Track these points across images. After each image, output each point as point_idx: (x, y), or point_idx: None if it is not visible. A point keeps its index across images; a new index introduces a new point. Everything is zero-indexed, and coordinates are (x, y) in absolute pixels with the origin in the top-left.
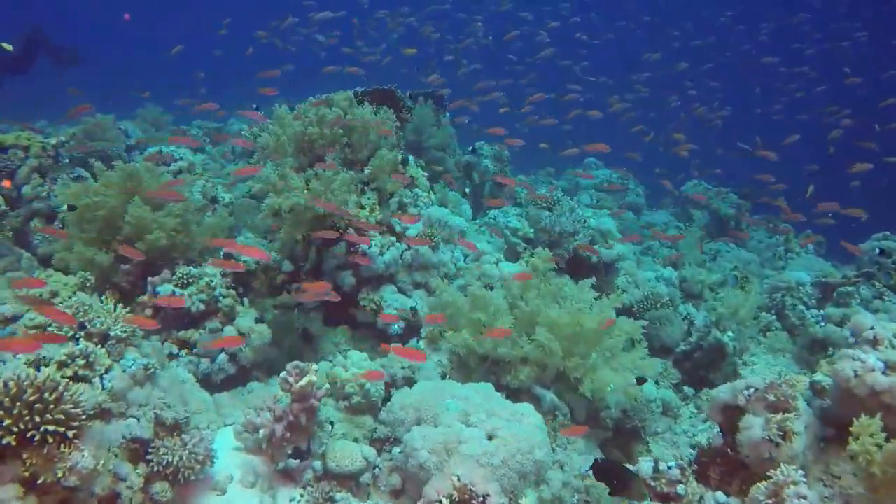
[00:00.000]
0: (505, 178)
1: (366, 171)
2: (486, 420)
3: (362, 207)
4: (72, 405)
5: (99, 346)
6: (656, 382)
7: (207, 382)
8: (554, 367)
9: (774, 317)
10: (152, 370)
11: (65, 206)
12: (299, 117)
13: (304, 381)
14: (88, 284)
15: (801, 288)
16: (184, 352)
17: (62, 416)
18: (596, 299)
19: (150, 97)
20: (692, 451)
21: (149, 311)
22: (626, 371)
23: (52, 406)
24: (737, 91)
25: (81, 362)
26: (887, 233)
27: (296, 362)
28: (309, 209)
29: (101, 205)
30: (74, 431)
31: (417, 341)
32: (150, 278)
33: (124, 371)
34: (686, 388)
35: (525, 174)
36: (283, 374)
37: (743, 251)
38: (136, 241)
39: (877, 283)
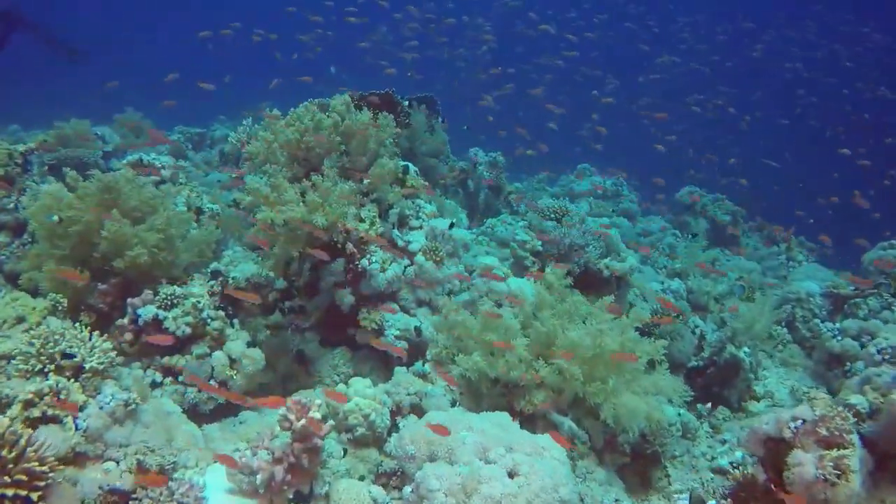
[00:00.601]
0: (519, 196)
1: (365, 182)
2: (505, 455)
3: (362, 220)
4: (36, 462)
5: (72, 379)
6: (669, 401)
7: (195, 412)
8: (572, 392)
9: (785, 330)
10: (133, 405)
11: (54, 218)
12: (292, 123)
13: (306, 420)
14: (60, 308)
15: (811, 299)
16: (168, 380)
17: (24, 477)
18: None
19: (119, 89)
20: (713, 476)
21: (128, 336)
22: (648, 395)
23: (11, 466)
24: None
25: (51, 400)
26: (894, 241)
27: (297, 397)
28: (306, 223)
29: (75, 219)
30: (40, 493)
31: (423, 364)
32: (129, 299)
33: (101, 408)
34: (699, 406)
35: (518, 181)
36: (283, 410)
37: (743, 259)
38: (115, 258)
39: (884, 294)
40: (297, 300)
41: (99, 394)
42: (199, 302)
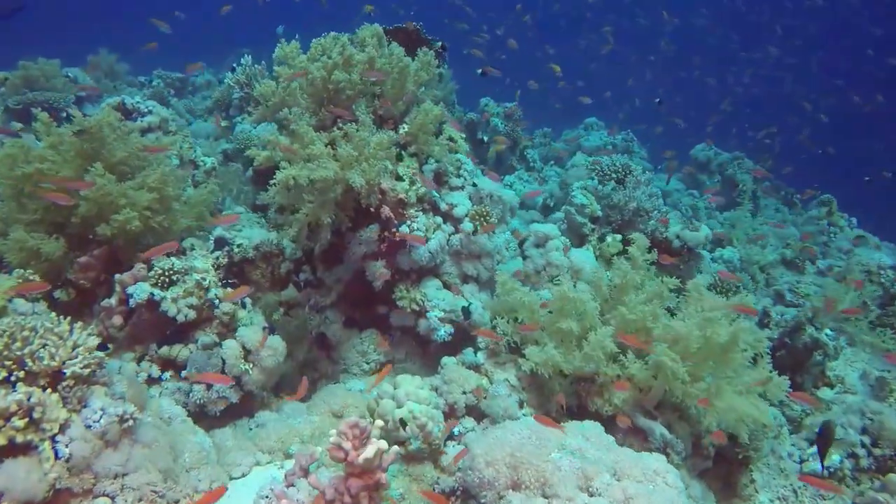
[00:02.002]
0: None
1: (401, 131)
2: (613, 485)
3: (399, 178)
4: None
5: (48, 390)
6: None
7: (202, 414)
8: (660, 391)
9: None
10: (129, 420)
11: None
12: (316, 57)
13: (370, 451)
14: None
15: (882, 272)
16: (168, 374)
17: None
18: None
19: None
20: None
21: (117, 320)
22: (752, 394)
23: None
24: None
25: (21, 423)
26: None
27: (353, 419)
28: (340, 183)
29: (48, 174)
30: None
31: (475, 353)
32: (118, 276)
33: (89, 427)
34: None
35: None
36: (334, 436)
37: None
38: (99, 223)
39: None
40: (315, 272)
41: (85, 407)
42: (203, 279)
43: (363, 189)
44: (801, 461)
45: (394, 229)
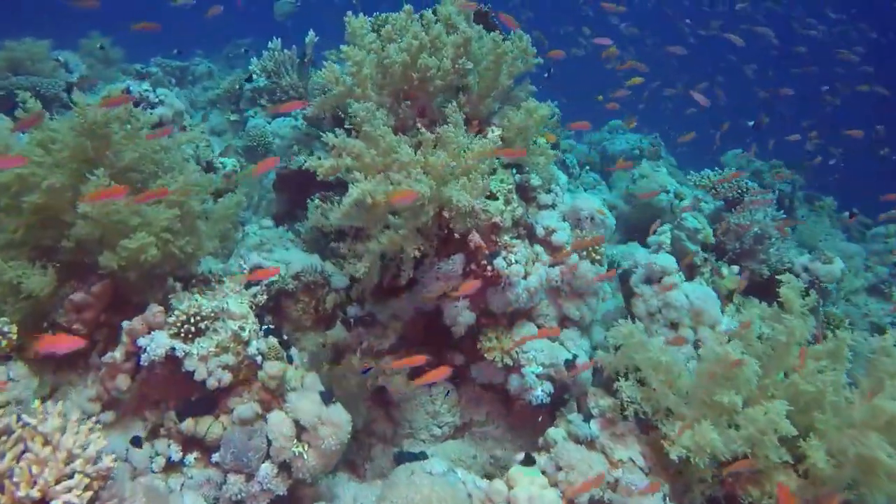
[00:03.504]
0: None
1: (491, 135)
2: None
3: (492, 196)
4: None
5: None
6: None
7: None
8: (842, 484)
9: None
10: None
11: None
12: (392, 37)
13: None
14: (6, 335)
15: None
16: (192, 457)
17: None
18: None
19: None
20: None
21: (123, 382)
22: None
23: None
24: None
25: None
26: None
27: None
28: (435, 203)
29: (32, 182)
30: None
31: (586, 421)
32: (126, 324)
33: None
34: None
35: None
36: None
37: (839, 240)
38: (101, 250)
39: None
40: (362, 305)
41: None
42: (242, 328)
43: (461, 211)
44: None
45: (484, 261)
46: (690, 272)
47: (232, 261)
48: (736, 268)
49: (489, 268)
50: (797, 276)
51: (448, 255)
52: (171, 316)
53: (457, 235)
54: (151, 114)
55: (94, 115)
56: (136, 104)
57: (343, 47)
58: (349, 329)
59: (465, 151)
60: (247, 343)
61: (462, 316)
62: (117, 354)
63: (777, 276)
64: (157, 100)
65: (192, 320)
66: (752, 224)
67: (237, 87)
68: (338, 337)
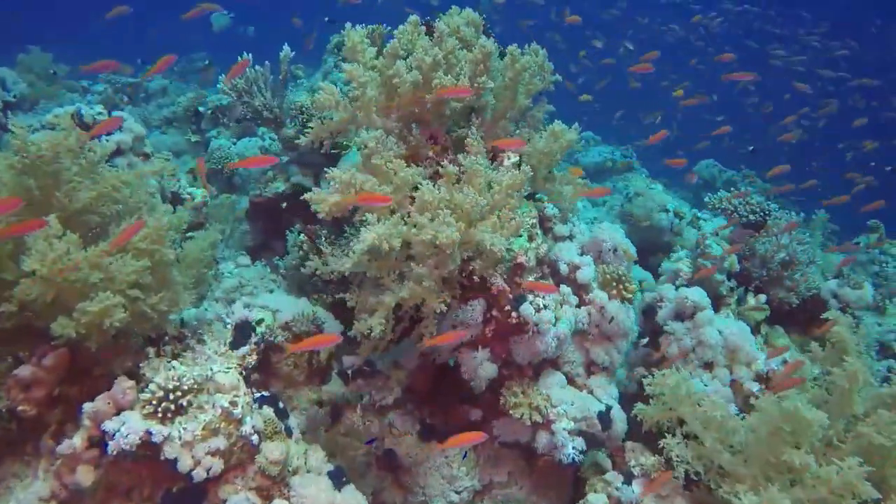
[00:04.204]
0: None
1: (508, 161)
2: None
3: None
4: None
5: None
6: None
7: None
8: None
9: None
10: None
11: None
12: (399, 52)
13: None
14: None
15: None
16: None
17: None
18: None
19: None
20: None
21: (84, 476)
22: None
23: None
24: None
25: None
26: None
27: None
28: (467, 247)
29: None
30: None
31: (627, 483)
32: (87, 406)
33: None
34: None
35: None
36: None
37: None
38: (53, 315)
39: None
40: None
41: None
42: (234, 402)
43: (494, 257)
44: None
45: (507, 307)
46: (716, 304)
47: (206, 305)
48: (763, 297)
49: (514, 314)
50: (825, 302)
51: (466, 300)
52: (144, 391)
53: (476, 278)
54: (108, 141)
55: (38, 147)
56: (88, 128)
57: (344, 65)
58: (347, 382)
59: (491, 186)
60: (240, 421)
61: (483, 369)
62: (77, 441)
63: (807, 305)
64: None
65: (172, 396)
66: (780, 248)
67: (197, 105)
68: (335, 392)
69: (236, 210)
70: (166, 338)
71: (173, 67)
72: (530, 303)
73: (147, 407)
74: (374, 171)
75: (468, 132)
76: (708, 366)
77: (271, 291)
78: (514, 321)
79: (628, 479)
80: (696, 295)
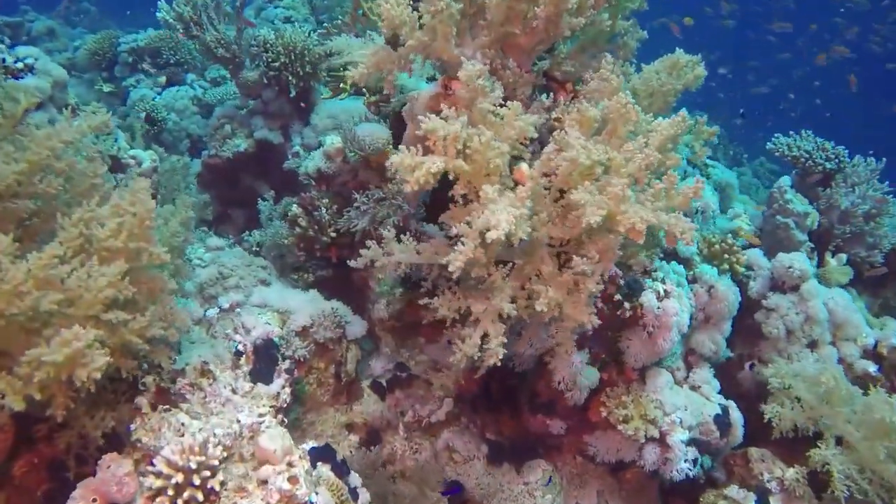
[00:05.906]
0: None
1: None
2: None
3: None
4: None
5: None
6: None
7: None
8: None
9: None
10: None
11: None
12: None
13: None
14: None
15: None
16: None
17: None
18: None
19: None
20: None
21: None
22: None
23: None
24: None
25: None
26: None
27: None
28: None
29: None
30: None
31: (761, 501)
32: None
33: None
34: None
35: None
36: None
37: None
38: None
39: None
40: (383, 346)
41: None
42: (293, 475)
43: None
44: None
45: (618, 296)
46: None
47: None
48: (844, 256)
49: (627, 305)
50: None
51: None
52: (145, 474)
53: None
54: (29, 68)
55: None
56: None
57: None
58: (383, 397)
59: (640, 137)
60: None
61: (585, 376)
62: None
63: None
64: (23, 65)
65: (196, 479)
66: (865, 200)
67: (110, 47)
68: (370, 412)
69: (190, 172)
70: (161, 375)
71: (56, 8)
72: (652, 290)
73: (148, 491)
74: (483, 120)
75: (549, 64)
76: (812, 344)
77: (268, 285)
78: (627, 313)
79: (761, 495)
80: (801, 262)
